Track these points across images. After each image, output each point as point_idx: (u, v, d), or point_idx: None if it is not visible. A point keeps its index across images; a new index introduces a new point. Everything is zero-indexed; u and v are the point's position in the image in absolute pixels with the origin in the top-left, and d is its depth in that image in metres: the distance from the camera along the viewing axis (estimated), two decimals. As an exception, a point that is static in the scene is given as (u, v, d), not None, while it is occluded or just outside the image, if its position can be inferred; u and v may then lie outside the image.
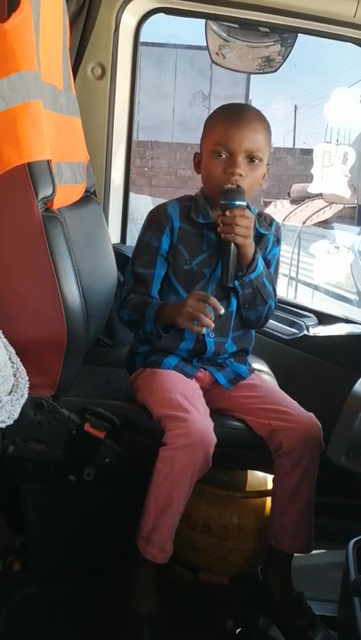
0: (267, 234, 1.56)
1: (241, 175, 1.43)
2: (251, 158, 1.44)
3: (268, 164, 1.50)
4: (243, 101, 11.16)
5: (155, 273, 1.52)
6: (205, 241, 1.51)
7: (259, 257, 1.48)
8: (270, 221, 1.59)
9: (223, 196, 1.42)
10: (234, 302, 1.53)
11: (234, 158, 1.43)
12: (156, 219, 1.53)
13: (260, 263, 1.49)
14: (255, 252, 1.47)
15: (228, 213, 1.40)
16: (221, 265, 1.45)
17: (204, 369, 1.54)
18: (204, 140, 1.50)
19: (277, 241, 1.60)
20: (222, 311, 1.38)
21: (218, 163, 1.45)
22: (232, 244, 1.42)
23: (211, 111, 1.55)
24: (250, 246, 1.45)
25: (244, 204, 1.42)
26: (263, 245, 1.56)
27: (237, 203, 1.41)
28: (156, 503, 1.34)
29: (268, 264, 1.56)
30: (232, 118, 1.46)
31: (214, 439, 1.33)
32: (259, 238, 1.53)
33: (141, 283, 1.52)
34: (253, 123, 1.45)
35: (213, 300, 1.37)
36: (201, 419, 1.35)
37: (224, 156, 1.44)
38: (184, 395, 1.39)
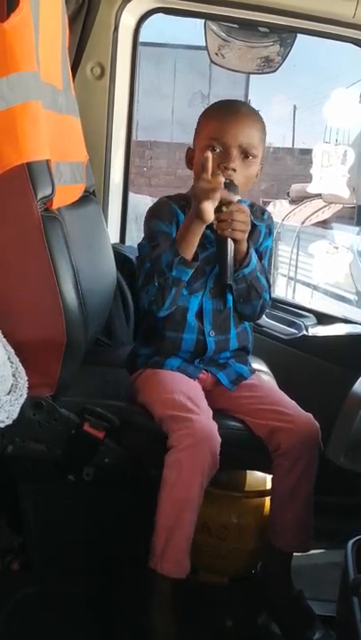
0: (259, 225, 1.55)
1: (234, 170, 1.42)
2: (245, 154, 1.43)
3: (261, 164, 1.49)
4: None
5: None
6: (205, 239, 1.48)
7: (252, 251, 1.47)
8: (262, 212, 1.58)
9: None
10: (230, 299, 1.52)
11: (228, 152, 1.42)
12: (163, 210, 1.51)
13: (254, 257, 1.47)
14: (248, 247, 1.45)
15: (224, 209, 1.38)
16: (219, 262, 1.43)
17: (207, 370, 1.54)
18: (197, 135, 1.49)
19: (270, 232, 1.58)
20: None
21: (212, 157, 1.42)
22: (229, 240, 1.40)
23: (209, 110, 1.55)
24: (245, 241, 1.43)
25: (238, 197, 1.41)
26: (255, 238, 1.54)
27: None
28: (167, 513, 1.30)
29: (260, 256, 1.54)
30: (228, 113, 1.46)
31: (219, 438, 1.33)
32: (251, 230, 1.50)
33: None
34: (249, 118, 1.45)
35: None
36: (205, 418, 1.35)
37: (218, 149, 1.43)
38: (187, 395, 1.39)
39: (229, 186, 1.40)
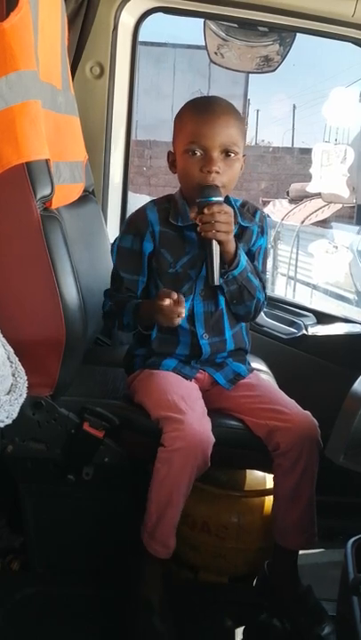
0: (250, 226, 1.52)
1: (218, 172, 1.40)
2: (226, 153, 1.41)
3: (243, 155, 1.46)
4: (241, 101, 11.15)
5: (139, 279, 1.51)
6: (187, 242, 1.48)
7: (241, 252, 1.45)
8: (254, 211, 1.55)
9: (199, 193, 1.39)
10: (222, 300, 1.50)
11: (209, 155, 1.40)
12: (136, 224, 1.50)
13: (243, 258, 1.45)
14: (237, 248, 1.43)
15: (206, 211, 1.37)
16: (206, 264, 1.42)
17: (204, 370, 1.53)
18: (176, 138, 1.46)
19: (262, 232, 1.55)
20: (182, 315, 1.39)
21: (193, 161, 1.41)
22: (214, 242, 1.38)
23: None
24: (231, 242, 1.41)
25: (221, 199, 1.39)
26: (247, 238, 1.52)
27: (214, 199, 1.37)
28: (157, 503, 1.35)
29: (253, 257, 1.52)
30: (203, 114, 1.42)
31: (212, 440, 1.33)
32: (242, 231, 1.49)
33: (127, 288, 1.51)
34: (225, 116, 1.41)
35: (181, 299, 1.36)
36: (197, 420, 1.35)
37: (199, 153, 1.40)
38: (181, 396, 1.39)
39: (210, 188, 1.39)
